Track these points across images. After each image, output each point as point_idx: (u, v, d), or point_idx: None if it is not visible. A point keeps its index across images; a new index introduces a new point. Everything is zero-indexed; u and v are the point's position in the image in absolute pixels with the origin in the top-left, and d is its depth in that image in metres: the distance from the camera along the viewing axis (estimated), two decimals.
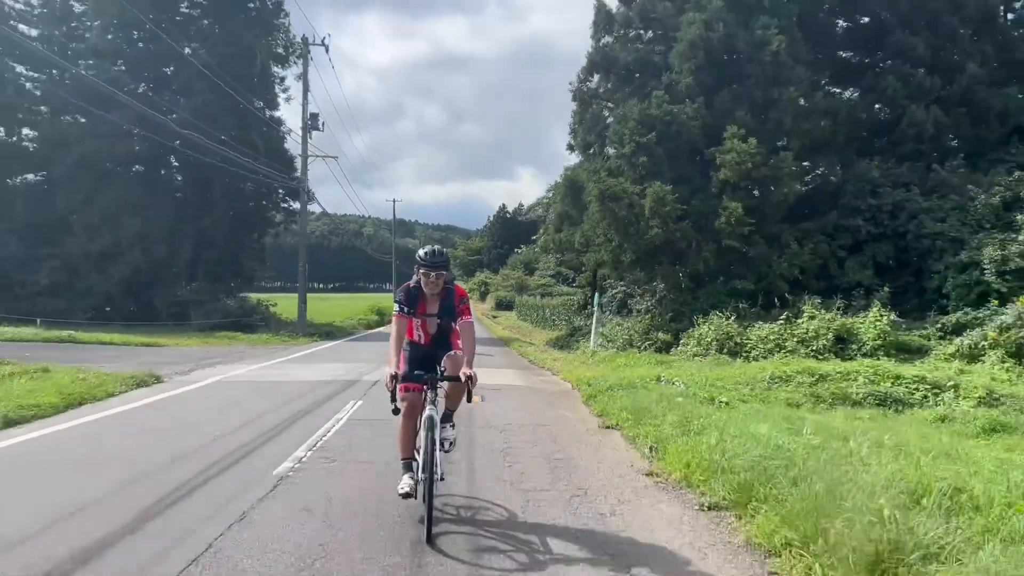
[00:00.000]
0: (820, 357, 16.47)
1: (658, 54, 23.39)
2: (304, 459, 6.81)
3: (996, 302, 17.34)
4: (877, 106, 23.60)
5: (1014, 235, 18.30)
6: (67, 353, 17.33)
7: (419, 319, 5.08)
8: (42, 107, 34.56)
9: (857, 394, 12.32)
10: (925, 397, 12.41)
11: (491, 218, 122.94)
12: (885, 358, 15.99)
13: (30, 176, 34.76)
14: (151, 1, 32.21)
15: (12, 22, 34.31)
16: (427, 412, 4.71)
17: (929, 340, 17.56)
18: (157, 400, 10.76)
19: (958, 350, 16.61)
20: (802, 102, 20.85)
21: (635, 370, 14.10)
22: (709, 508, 5.30)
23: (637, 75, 23.54)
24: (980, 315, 17.30)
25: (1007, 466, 6.75)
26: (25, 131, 34.85)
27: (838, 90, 25.79)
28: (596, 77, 24.11)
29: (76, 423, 8.74)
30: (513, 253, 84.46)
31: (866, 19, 23.77)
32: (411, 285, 5.07)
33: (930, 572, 3.54)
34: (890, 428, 9.18)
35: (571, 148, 25.15)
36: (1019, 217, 18.65)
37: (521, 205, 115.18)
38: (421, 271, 4.90)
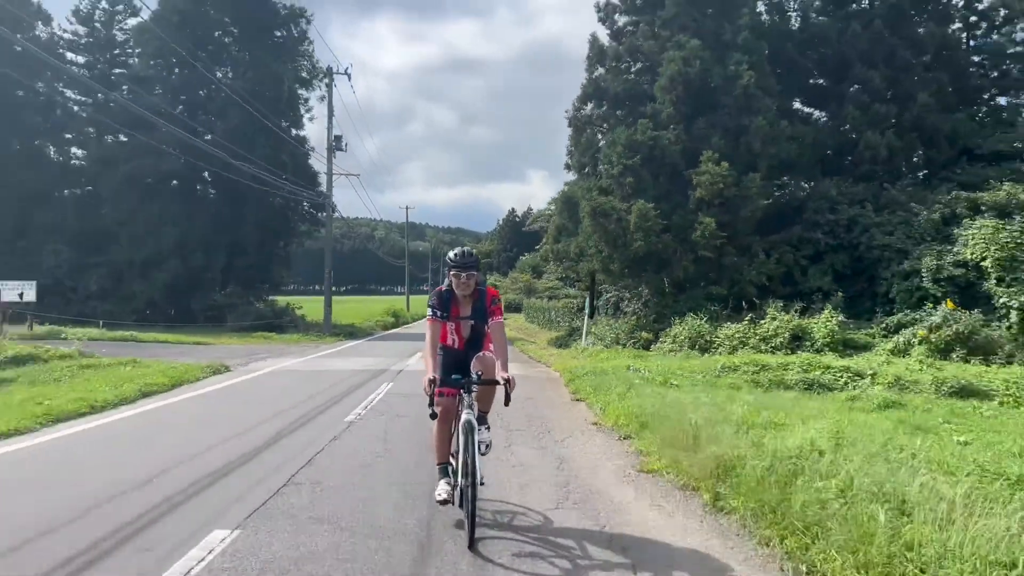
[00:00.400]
0: (776, 352, 19.51)
1: (645, 83, 26.44)
2: (362, 414, 9.96)
3: (931, 305, 20.33)
4: (842, 129, 26.58)
5: (949, 247, 21.25)
6: (135, 350, 20.61)
7: (453, 323, 5.15)
8: (89, 128, 38.09)
9: (790, 380, 15.33)
10: (846, 383, 15.38)
11: (500, 222, 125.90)
12: (831, 353, 19.02)
13: (77, 191, 38.24)
14: (187, 31, 35.70)
15: (60, 50, 37.95)
16: (464, 416, 4.74)
17: (874, 338, 20.51)
18: (236, 382, 13.98)
19: (895, 346, 19.64)
20: (770, 129, 23.79)
21: (612, 362, 17.18)
22: (623, 438, 8.39)
23: (626, 103, 26.61)
24: (916, 316, 20.28)
25: (852, 423, 9.74)
26: (73, 150, 38.40)
27: (810, 110, 28.90)
28: (590, 105, 27.23)
29: (186, 396, 11.94)
30: (521, 257, 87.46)
31: (830, 52, 26.67)
32: (443, 289, 5.14)
33: (713, 440, 6.61)
34: (797, 403, 12.18)
35: (568, 168, 28.26)
36: (955, 231, 21.60)
37: (530, 208, 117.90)
38: (452, 272, 4.98)
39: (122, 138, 37.93)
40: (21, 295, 23.61)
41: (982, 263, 20.27)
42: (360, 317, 46.10)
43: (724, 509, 5.33)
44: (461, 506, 4.75)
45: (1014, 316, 19.35)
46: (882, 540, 3.75)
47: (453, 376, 4.87)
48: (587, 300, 28.00)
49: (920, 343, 19.01)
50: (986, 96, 30.99)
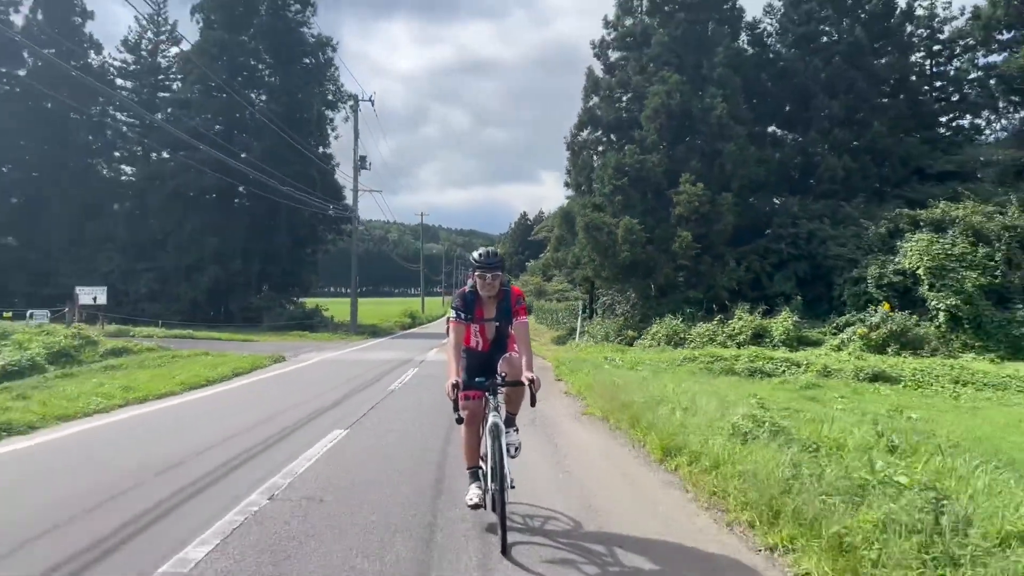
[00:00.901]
0: (740, 347, 23.15)
1: (634, 112, 30.13)
2: (398, 387, 13.75)
3: (874, 307, 23.92)
4: (808, 151, 30.16)
5: (892, 257, 24.83)
6: (196, 345, 24.56)
7: (477, 324, 5.08)
8: (137, 148, 42.32)
9: (738, 368, 18.99)
10: (783, 371, 19.04)
11: (512, 225, 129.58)
12: (785, 348, 22.67)
13: (127, 203, 42.46)
14: (225, 60, 39.81)
15: (111, 76, 42.21)
16: (491, 419, 4.68)
17: (824, 335, 24.14)
18: (297, 367, 17.89)
19: (840, 342, 23.25)
20: (740, 153, 27.42)
21: (595, 355, 20.93)
22: (580, 399, 12.15)
23: (617, 130, 30.34)
24: (861, 317, 23.89)
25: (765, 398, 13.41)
26: (123, 167, 42.64)
27: (783, 133, 32.49)
28: (585, 131, 30.99)
29: (265, 376, 15.81)
30: (529, 262, 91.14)
31: (798, 83, 30.25)
32: (467, 290, 5.04)
33: (624, 395, 10.35)
34: (736, 385, 15.83)
35: (567, 185, 32.05)
36: (898, 243, 25.15)
37: (541, 212, 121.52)
38: (476, 273, 4.91)
39: (165, 155, 42.19)
40: (95, 299, 27.72)
41: (917, 271, 23.85)
42: (379, 318, 50.02)
43: (618, 427, 9.13)
44: (494, 509, 4.60)
45: (941, 316, 22.92)
46: (675, 426, 7.56)
47: (477, 379, 4.84)
48: (583, 303, 31.75)
49: (860, 340, 22.65)
50: (947, 119, 34.52)
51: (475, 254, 5.03)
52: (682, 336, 24.82)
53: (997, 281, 22.98)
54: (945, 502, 4.42)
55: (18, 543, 4.45)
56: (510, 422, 5.20)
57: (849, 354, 20.65)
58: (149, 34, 42.70)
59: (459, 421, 4.78)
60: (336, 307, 47.18)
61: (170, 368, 16.78)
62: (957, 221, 24.19)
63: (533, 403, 4.74)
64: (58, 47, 39.66)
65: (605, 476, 6.66)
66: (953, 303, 22.61)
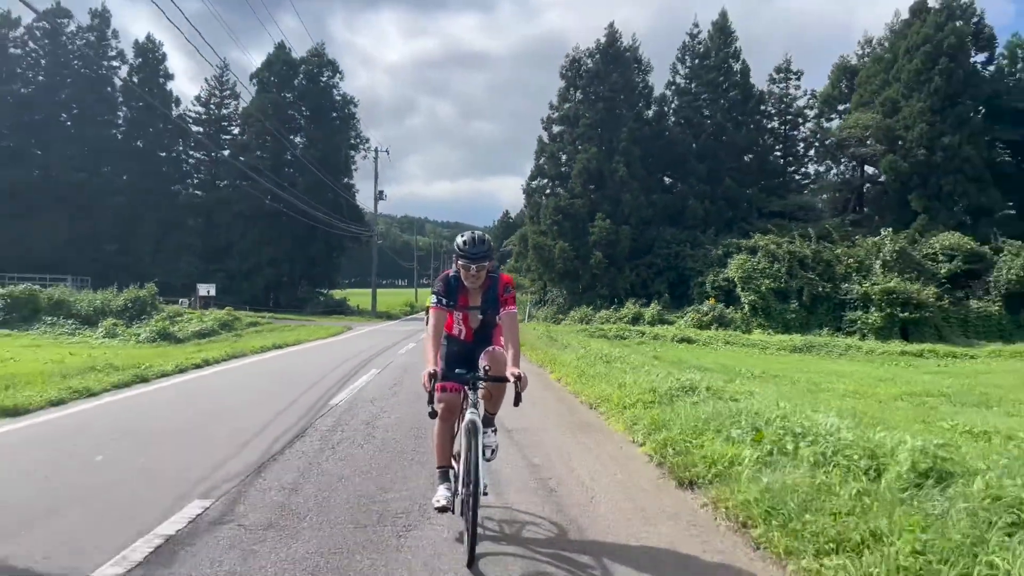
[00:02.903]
0: (626, 326, 36.86)
1: (568, 169, 43.65)
2: (410, 348, 27.17)
3: (709, 301, 37.74)
4: (683, 197, 43.88)
5: (723, 269, 38.56)
6: (277, 323, 37.72)
7: (460, 312, 4.47)
8: (207, 178, 55.32)
9: (609, 335, 32.65)
10: (634, 335, 32.77)
11: (496, 222, 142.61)
12: (647, 325, 36.40)
13: (201, 219, 55.50)
14: (275, 113, 52.85)
15: (187, 123, 55.20)
16: (468, 416, 4.05)
17: (681, 318, 37.90)
18: (358, 333, 31.21)
19: (685, 322, 37.06)
20: (634, 201, 41.03)
21: (533, 330, 34.50)
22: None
23: (557, 180, 43.89)
24: (699, 307, 37.70)
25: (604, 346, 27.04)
26: (197, 192, 55.60)
27: (672, 181, 46.18)
28: (536, 181, 44.53)
29: (342, 338, 29.10)
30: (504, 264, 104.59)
31: (680, 149, 43.94)
32: (450, 274, 4.40)
33: (543, 347, 23.98)
34: (606, 343, 29.45)
35: (525, 216, 45.51)
36: (728, 261, 38.88)
37: (522, 212, 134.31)
38: (460, 263, 4.23)
39: (223, 183, 55.16)
40: (208, 292, 40.89)
41: (735, 278, 37.64)
42: (387, 306, 63.33)
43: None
44: (462, 514, 4.02)
45: (747, 307, 36.73)
46: (552, 352, 21.14)
47: (456, 370, 4.24)
48: (536, 296, 45.44)
49: (693, 320, 36.46)
50: (792, 169, 48.53)
51: (459, 240, 4.25)
52: (589, 318, 38.55)
53: (781, 285, 36.81)
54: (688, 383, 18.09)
55: (282, 377, 17.87)
56: (488, 422, 4.48)
57: (679, 328, 34.46)
58: (216, 93, 55.57)
59: (432, 415, 4.18)
60: (352, 297, 60.49)
61: (286, 333, 30.08)
62: (761, 247, 37.99)
63: (517, 403, 4.03)
64: (148, 102, 52.54)
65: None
66: (753, 299, 36.46)
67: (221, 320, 32.50)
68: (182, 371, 13.24)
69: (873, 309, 34.72)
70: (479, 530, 3.97)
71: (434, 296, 4.37)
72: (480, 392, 4.19)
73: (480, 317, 4.49)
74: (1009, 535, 3.47)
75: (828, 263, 37.28)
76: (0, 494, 4.87)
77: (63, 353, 19.06)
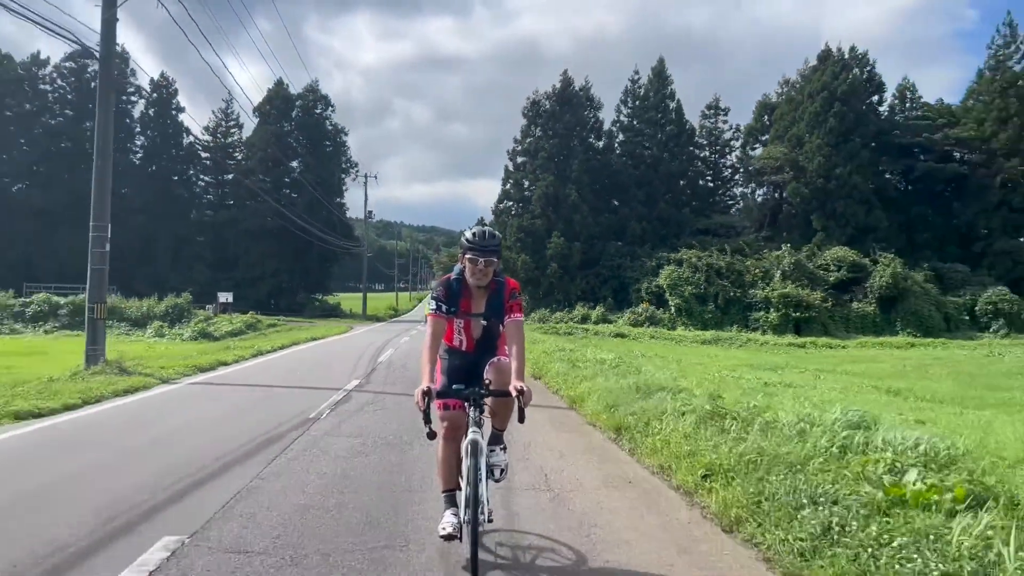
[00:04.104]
0: (579, 325, 45.00)
1: (530, 194, 51.68)
2: (407, 340, 34.93)
3: (643, 304, 46.02)
4: (625, 218, 52.17)
5: (655, 278, 46.87)
6: (293, 325, 45.13)
7: (461, 319, 4.14)
8: (216, 199, 62.48)
9: (560, 332, 40.73)
10: (580, 332, 40.90)
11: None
12: (593, 324, 44.58)
13: (211, 236, 62.61)
14: (275, 140, 60.23)
15: (196, 149, 62.34)
16: (470, 436, 3.78)
17: (620, 318, 46.10)
18: (360, 331, 38.80)
19: (624, 322, 45.31)
20: (583, 222, 49.20)
21: None
22: None
23: (521, 203, 51.91)
24: (636, 309, 46.00)
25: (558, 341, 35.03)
26: (207, 212, 62.73)
27: (616, 203, 54.46)
28: (504, 204, 52.47)
29: (349, 335, 36.75)
30: None
31: (631, 179, 52.24)
32: (451, 278, 4.11)
33: None
34: (557, 338, 37.46)
35: None
36: (660, 271, 47.18)
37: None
38: (467, 257, 3.97)
39: (230, 203, 62.29)
40: (227, 299, 48.15)
41: (664, 286, 45.95)
42: (373, 310, 70.81)
43: None
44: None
45: (673, 309, 45.06)
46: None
47: (455, 386, 3.88)
48: None
49: (629, 321, 44.71)
50: (720, 192, 57.16)
51: (468, 233, 4.00)
52: (547, 318, 46.63)
53: (701, 291, 45.17)
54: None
55: (301, 368, 25.64)
56: (496, 439, 4.24)
57: (617, 327, 42.64)
58: (223, 124, 62.72)
59: (431, 436, 3.81)
60: (341, 301, 67.87)
61: (306, 331, 37.69)
62: (685, 260, 46.36)
63: (521, 419, 3.76)
64: (163, 131, 59.72)
65: None
66: (678, 302, 44.80)
67: (247, 322, 39.96)
68: (283, 347, 21.10)
69: (772, 310, 43.24)
70: (481, 554, 3.68)
71: (433, 302, 4.00)
72: (487, 408, 3.92)
73: (483, 324, 4.13)
74: (682, 415, 11.44)
75: (739, 272, 45.80)
76: (286, 373, 12.69)
77: (142, 347, 26.46)
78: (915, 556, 3.40)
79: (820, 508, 4.14)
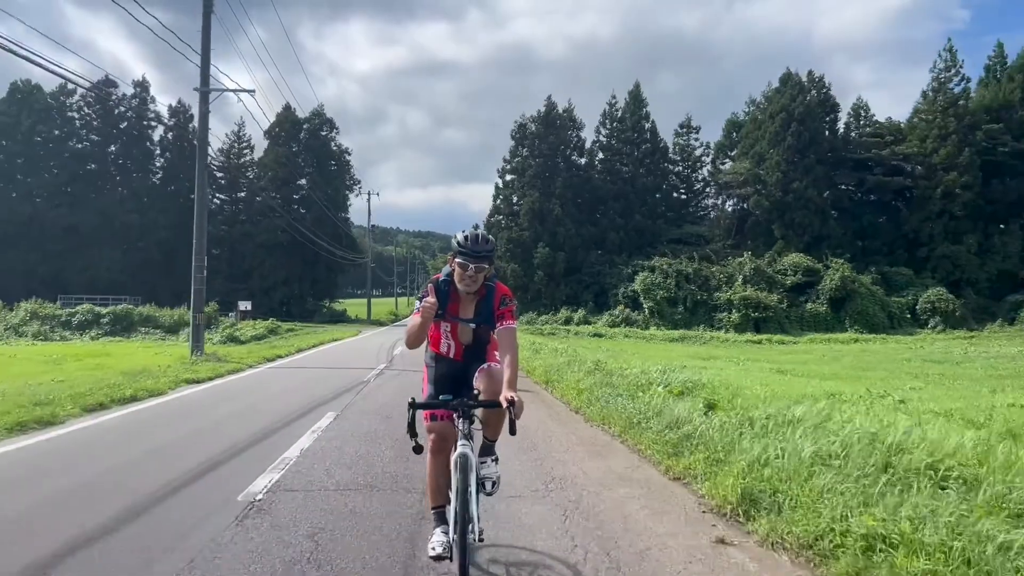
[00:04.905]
0: (563, 327, 50.35)
1: (519, 208, 57.06)
2: None
3: (621, 307, 51.42)
4: (604, 229, 57.59)
5: (631, 284, 52.27)
6: (308, 330, 50.36)
7: (448, 323, 3.99)
8: (226, 214, 67.74)
9: (545, 332, 46.07)
10: (563, 332, 46.24)
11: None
12: (575, 325, 49.95)
13: (227, 249, 67.83)
14: (285, 161, 65.54)
15: (212, 168, 67.59)
16: (459, 449, 3.59)
17: (599, 320, 51.48)
18: (368, 334, 44.10)
19: (602, 323, 50.70)
20: (567, 234, 54.54)
21: None
22: None
23: (511, 216, 57.30)
24: (614, 312, 51.38)
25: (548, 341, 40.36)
26: (223, 227, 67.99)
27: (598, 216, 59.90)
28: (495, 217, 57.82)
29: (360, 338, 42.01)
30: None
31: (602, 192, 57.62)
32: (440, 279, 3.93)
33: None
34: (543, 337, 42.81)
35: None
36: (635, 278, 52.56)
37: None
38: (457, 261, 3.76)
39: (243, 218, 67.53)
40: (246, 307, 53.37)
41: (638, 290, 51.32)
42: (375, 315, 76.05)
43: None
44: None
45: (647, 312, 50.46)
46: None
47: (441, 396, 3.74)
48: None
49: (607, 322, 50.06)
50: (692, 204, 62.64)
51: (459, 235, 3.80)
52: (534, 320, 51.98)
53: (671, 294, 50.57)
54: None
55: (322, 365, 30.94)
56: (487, 450, 4.10)
57: (594, 326, 47.98)
58: (235, 146, 67.98)
59: (417, 450, 3.67)
60: (345, 307, 73.10)
61: (323, 335, 42.93)
62: (658, 267, 51.77)
63: (513, 431, 3.59)
64: (180, 153, 64.98)
65: None
66: (651, 305, 50.19)
67: (268, 328, 45.14)
68: (315, 346, 26.34)
69: (734, 311, 48.66)
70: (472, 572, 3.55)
71: (418, 302, 3.82)
72: (476, 418, 3.76)
73: (472, 329, 3.97)
74: (579, 372, 16.77)
75: (706, 278, 51.25)
76: (331, 360, 18.00)
77: (184, 349, 31.64)
78: (631, 407, 8.75)
79: (618, 400, 9.48)
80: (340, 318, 64.73)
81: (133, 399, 10.61)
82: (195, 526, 4.63)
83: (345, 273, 74.02)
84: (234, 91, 20.84)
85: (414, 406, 3.59)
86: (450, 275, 3.89)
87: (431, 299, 3.71)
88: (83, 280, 59.73)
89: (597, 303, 53.37)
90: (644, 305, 50.46)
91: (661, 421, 7.21)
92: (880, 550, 3.56)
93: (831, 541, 3.82)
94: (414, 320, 3.83)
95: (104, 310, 45.91)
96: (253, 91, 21.12)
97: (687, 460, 5.88)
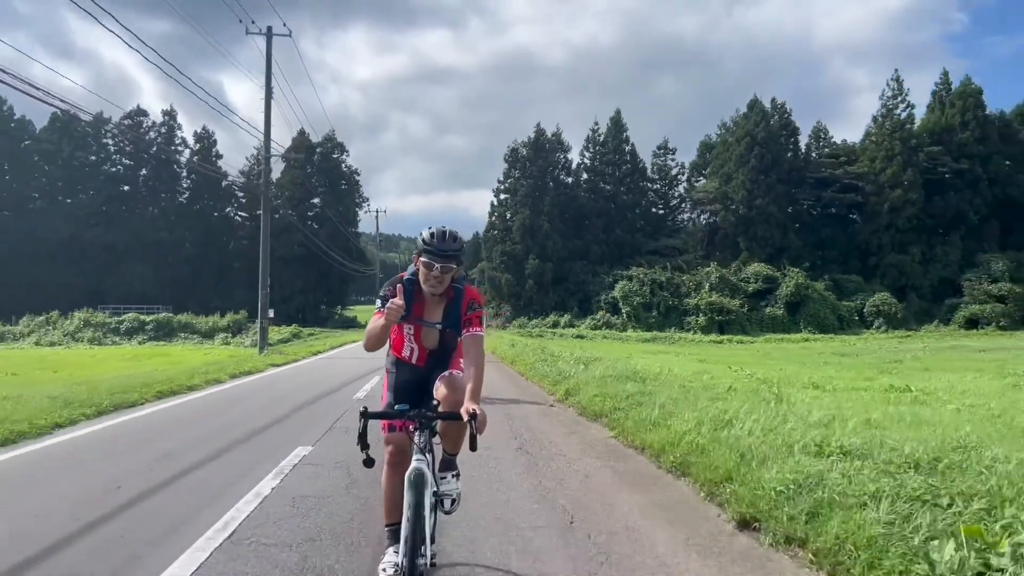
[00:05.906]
0: (550, 330, 56.42)
1: (512, 224, 63.15)
2: None
3: (602, 312, 57.46)
4: (588, 242, 63.65)
5: (611, 291, 58.30)
6: (326, 334, 56.33)
7: (411, 325, 3.63)
8: (247, 230, 73.91)
9: (534, 335, 52.11)
10: (550, 335, 52.27)
11: (464, 243, 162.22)
12: (561, 328, 56.01)
13: (247, 262, 73.88)
14: (300, 183, 71.74)
15: (234, 188, 73.86)
16: (414, 464, 3.17)
17: (582, 324, 57.50)
18: None
19: (585, 326, 56.73)
20: (554, 246, 60.60)
21: (493, 334, 54.01)
22: None
23: (505, 231, 63.40)
24: (596, 315, 57.44)
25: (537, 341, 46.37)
26: (244, 241, 74.13)
27: (581, 230, 66.01)
28: (491, 232, 63.93)
29: None
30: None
31: (585, 208, 63.76)
32: (404, 276, 3.54)
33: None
34: (531, 339, 48.81)
35: (484, 258, 64.81)
36: (615, 285, 58.56)
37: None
38: (422, 260, 3.41)
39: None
40: (271, 314, 59.33)
41: (618, 297, 57.31)
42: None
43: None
44: None
45: (625, 316, 56.47)
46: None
47: (397, 406, 3.31)
48: (490, 311, 64.93)
49: (589, 325, 56.05)
50: (670, 219, 68.76)
51: (425, 233, 3.43)
52: (525, 325, 58.02)
53: (646, 300, 56.56)
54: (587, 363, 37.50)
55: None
56: (448, 464, 3.77)
57: (578, 330, 53.94)
58: (254, 167, 74.19)
59: (368, 463, 3.20)
60: (352, 313, 79.26)
61: (341, 338, 48.95)
62: (635, 276, 57.79)
63: (473, 447, 3.20)
64: (204, 175, 71.17)
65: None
66: (628, 310, 56.21)
67: (292, 332, 51.25)
68: (341, 345, 32.33)
69: (701, 315, 54.68)
70: None
71: (379, 300, 3.42)
72: (438, 429, 3.48)
73: (436, 334, 3.62)
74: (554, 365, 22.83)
75: (677, 285, 57.30)
76: (361, 354, 24.04)
77: (229, 351, 37.59)
78: (549, 369, 14.82)
79: (544, 366, 15.52)
80: (351, 323, 70.78)
81: (248, 373, 16.59)
82: (327, 413, 10.56)
83: (355, 282, 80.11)
84: (283, 156, 26.76)
85: (366, 415, 3.13)
86: (415, 275, 3.48)
87: (399, 300, 3.25)
88: (118, 292, 65.82)
89: (581, 308, 59.37)
90: (622, 310, 56.46)
91: (555, 371, 13.23)
92: (602, 403, 9.60)
93: (596, 404, 9.85)
94: (376, 322, 3.35)
95: (148, 318, 51.99)
96: (301, 155, 27.10)
97: (560, 388, 11.93)
